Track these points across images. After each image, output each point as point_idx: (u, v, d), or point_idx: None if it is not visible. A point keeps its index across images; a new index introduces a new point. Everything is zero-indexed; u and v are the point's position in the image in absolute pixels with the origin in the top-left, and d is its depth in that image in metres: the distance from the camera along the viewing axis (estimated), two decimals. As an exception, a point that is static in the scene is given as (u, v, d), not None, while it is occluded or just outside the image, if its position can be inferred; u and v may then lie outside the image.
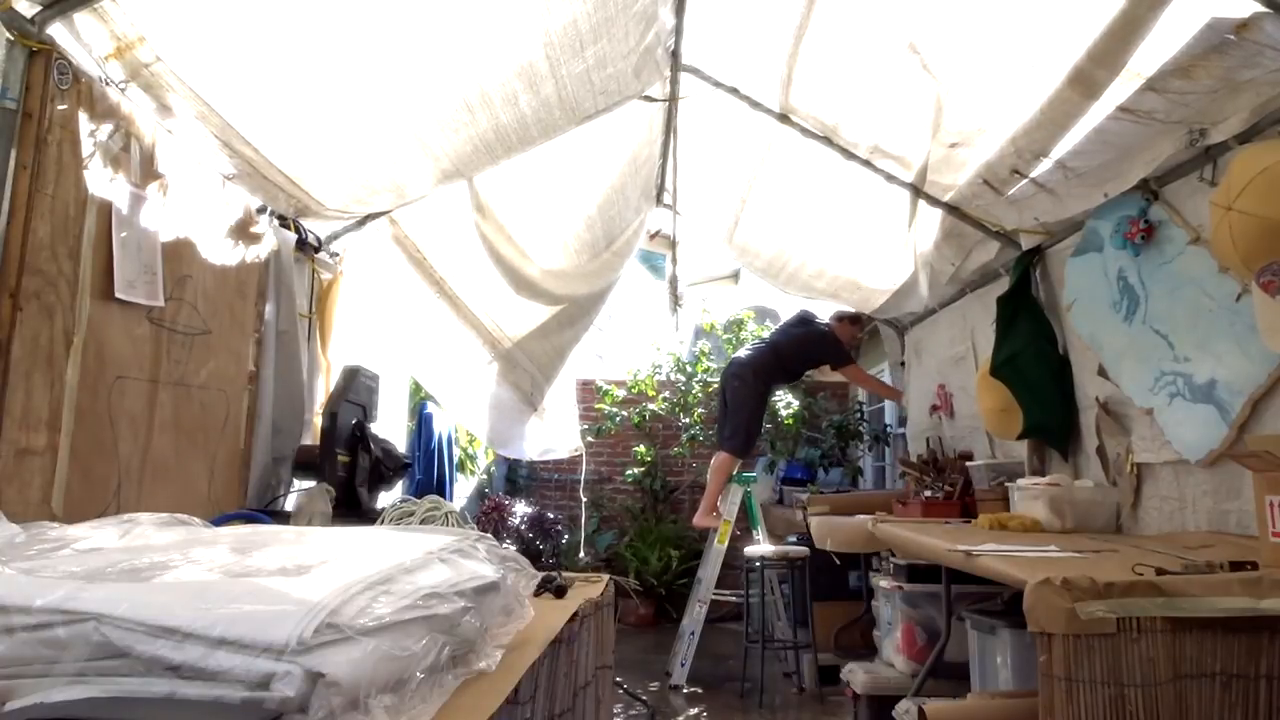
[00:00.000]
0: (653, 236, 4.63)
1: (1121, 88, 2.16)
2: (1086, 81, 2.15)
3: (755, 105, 3.34)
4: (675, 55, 3.24)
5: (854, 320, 5.14)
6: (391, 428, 4.22)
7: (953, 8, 2.40)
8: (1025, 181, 2.89)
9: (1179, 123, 2.26)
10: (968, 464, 3.74)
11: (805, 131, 3.35)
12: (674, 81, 3.41)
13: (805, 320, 5.30)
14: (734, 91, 3.34)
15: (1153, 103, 2.19)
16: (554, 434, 4.93)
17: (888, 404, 6.37)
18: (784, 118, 3.34)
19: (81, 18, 1.91)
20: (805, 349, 5.21)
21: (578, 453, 5.04)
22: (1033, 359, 3.28)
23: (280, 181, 2.80)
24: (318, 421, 3.28)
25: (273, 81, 2.33)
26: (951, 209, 3.35)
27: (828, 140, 3.35)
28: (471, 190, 3.54)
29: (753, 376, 5.10)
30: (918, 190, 3.36)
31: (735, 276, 7.29)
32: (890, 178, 3.39)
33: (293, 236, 3.11)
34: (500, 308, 4.12)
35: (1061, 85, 2.22)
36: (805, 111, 3.29)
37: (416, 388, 5.05)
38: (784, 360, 5.15)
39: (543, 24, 2.50)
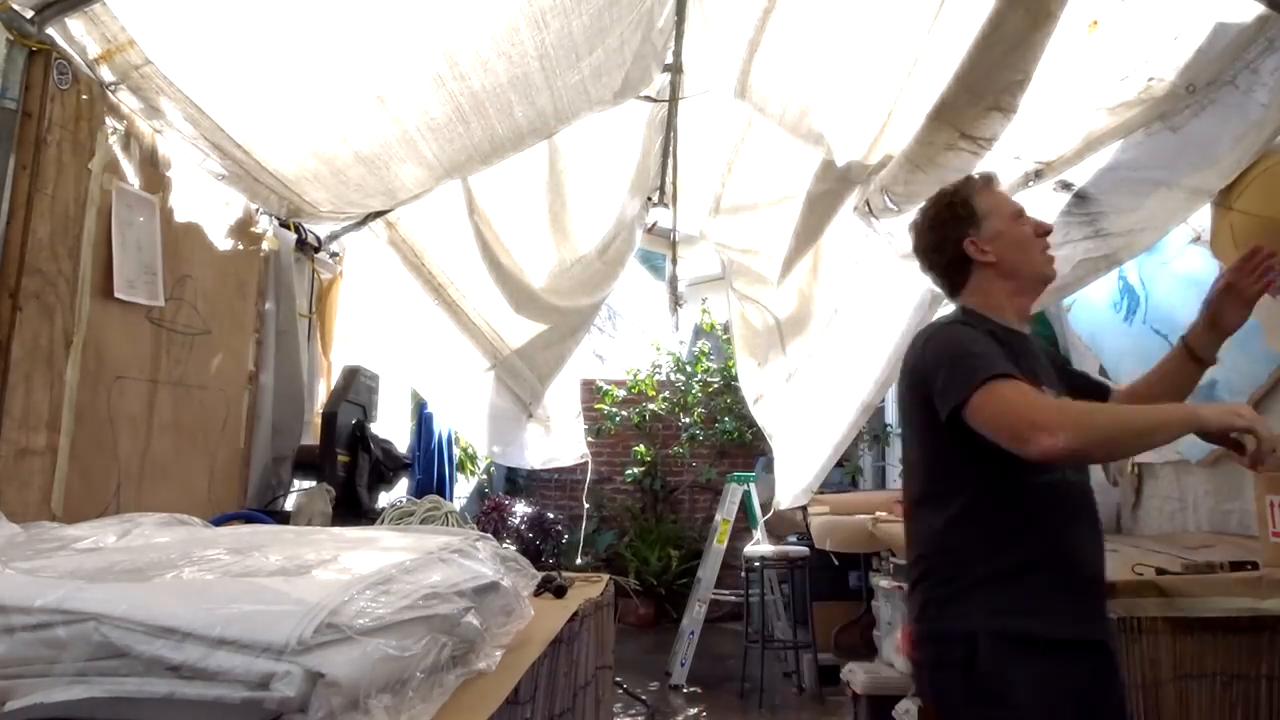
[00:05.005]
0: (650, 229, 4.59)
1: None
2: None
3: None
4: (676, 55, 3.23)
5: None
6: (392, 428, 4.21)
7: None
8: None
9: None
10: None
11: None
12: (674, 83, 3.41)
13: None
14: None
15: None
16: (558, 442, 4.89)
17: (888, 403, 6.37)
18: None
19: (72, 20, 1.90)
20: None
21: (584, 459, 5.02)
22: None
23: (272, 184, 2.79)
24: (318, 421, 3.27)
25: (264, 85, 2.31)
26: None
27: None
28: (466, 191, 3.53)
29: None
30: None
31: (738, 275, 7.26)
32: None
33: (292, 236, 3.11)
34: (500, 315, 4.09)
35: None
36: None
37: (417, 387, 5.03)
38: None
39: (539, 36, 2.49)
